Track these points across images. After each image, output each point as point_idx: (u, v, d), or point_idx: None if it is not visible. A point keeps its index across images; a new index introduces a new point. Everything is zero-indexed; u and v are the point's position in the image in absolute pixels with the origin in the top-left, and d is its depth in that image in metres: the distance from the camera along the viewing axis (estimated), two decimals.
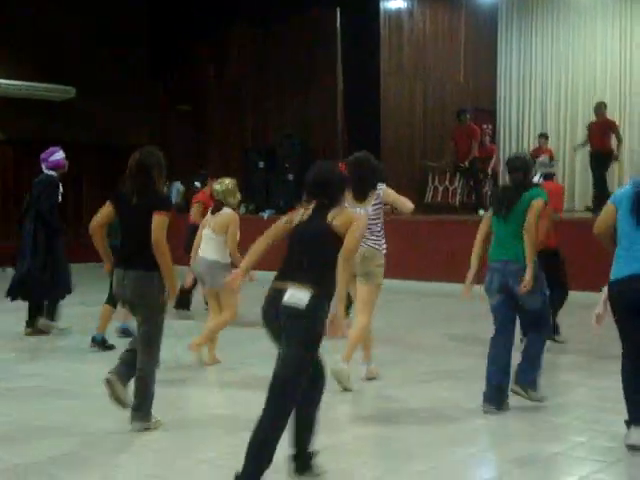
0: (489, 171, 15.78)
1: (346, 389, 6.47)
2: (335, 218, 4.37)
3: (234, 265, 7.24)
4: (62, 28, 17.28)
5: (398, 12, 17.01)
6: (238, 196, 7.78)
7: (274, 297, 4.30)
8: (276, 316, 4.28)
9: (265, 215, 15.50)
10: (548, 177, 8.91)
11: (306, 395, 4.34)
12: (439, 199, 16.43)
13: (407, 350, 8.45)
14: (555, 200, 7.80)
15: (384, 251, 6.67)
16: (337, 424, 5.69)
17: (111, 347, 8.19)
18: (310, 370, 4.30)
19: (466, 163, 14.81)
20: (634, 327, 4.97)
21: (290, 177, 15.78)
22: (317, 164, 4.68)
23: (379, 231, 6.66)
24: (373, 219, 6.53)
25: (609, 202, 5.22)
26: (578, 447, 5.24)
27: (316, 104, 16.72)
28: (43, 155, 8.99)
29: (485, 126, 16.28)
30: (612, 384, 5.58)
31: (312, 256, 4.33)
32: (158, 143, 18.37)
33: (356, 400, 6.51)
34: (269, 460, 4.14)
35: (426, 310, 11.36)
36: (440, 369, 7.49)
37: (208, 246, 7.54)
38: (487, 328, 6.14)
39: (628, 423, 5.07)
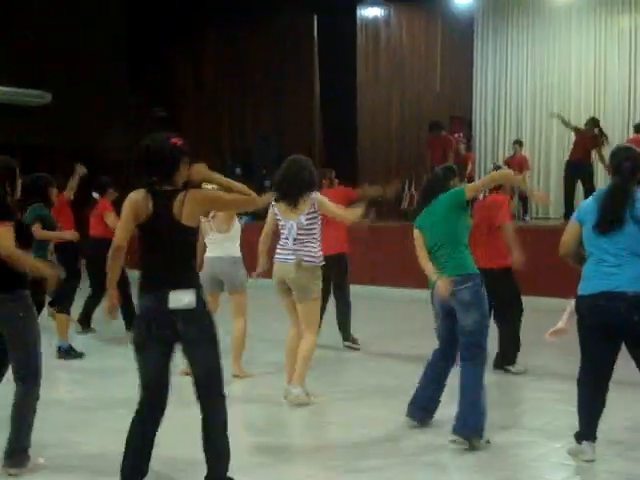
0: (465, 179, 15.91)
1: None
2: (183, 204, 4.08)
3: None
4: (38, 33, 17.23)
5: (375, 20, 17.12)
6: None
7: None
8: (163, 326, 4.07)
9: (242, 222, 15.48)
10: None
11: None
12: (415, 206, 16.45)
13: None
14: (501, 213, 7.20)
15: (321, 263, 6.37)
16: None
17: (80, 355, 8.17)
18: None
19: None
20: (597, 347, 4.80)
21: (267, 183, 15.79)
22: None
23: (314, 243, 6.28)
24: (307, 230, 6.22)
25: (573, 220, 5.01)
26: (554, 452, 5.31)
27: (293, 111, 16.77)
28: None
29: (460, 134, 16.38)
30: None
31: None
32: (133, 149, 18.36)
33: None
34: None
35: (407, 318, 11.12)
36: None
37: (219, 246, 7.24)
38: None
39: (579, 437, 4.94)
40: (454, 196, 5.40)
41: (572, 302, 4.97)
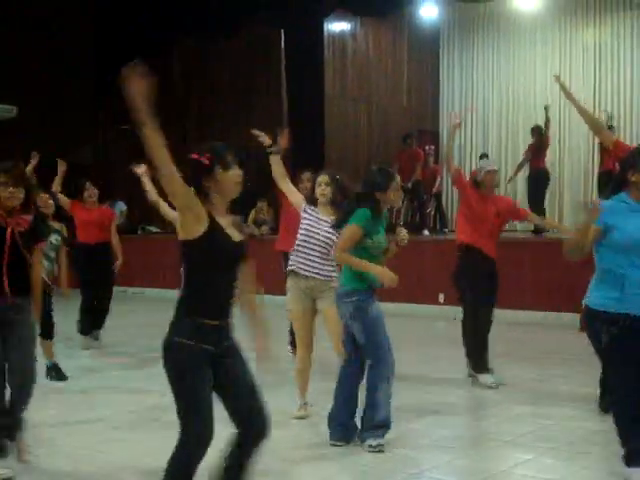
0: (433, 191, 16.04)
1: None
2: None
3: None
4: (4, 46, 17.08)
5: (342, 34, 17.18)
6: None
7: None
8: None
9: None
10: None
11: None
12: None
13: None
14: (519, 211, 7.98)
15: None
16: None
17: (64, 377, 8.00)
18: None
19: (409, 184, 14.98)
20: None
21: None
22: None
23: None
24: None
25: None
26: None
27: (260, 124, 16.65)
28: None
29: (428, 147, 16.48)
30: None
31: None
32: (101, 162, 18.31)
33: None
34: None
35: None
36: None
37: None
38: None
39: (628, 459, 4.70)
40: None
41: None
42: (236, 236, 3.78)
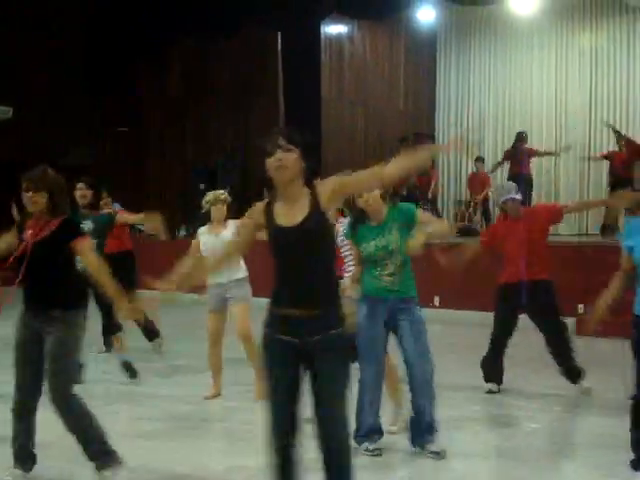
0: (429, 195, 16.00)
1: None
2: None
3: None
4: (2, 47, 17.06)
5: (339, 37, 17.20)
6: None
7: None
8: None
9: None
10: None
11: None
12: None
13: None
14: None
15: None
16: None
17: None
18: None
19: (404, 191, 14.94)
20: None
21: (229, 199, 15.74)
22: None
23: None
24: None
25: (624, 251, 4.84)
26: None
27: (257, 126, 16.76)
28: None
29: None
30: None
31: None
32: (97, 163, 18.26)
33: None
34: None
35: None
36: None
37: None
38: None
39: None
40: None
41: None
42: (290, 221, 3.67)
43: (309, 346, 3.61)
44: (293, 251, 3.66)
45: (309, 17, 15.95)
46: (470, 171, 17.27)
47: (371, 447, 5.47)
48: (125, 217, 8.34)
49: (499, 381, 7.43)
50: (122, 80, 18.36)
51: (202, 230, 7.51)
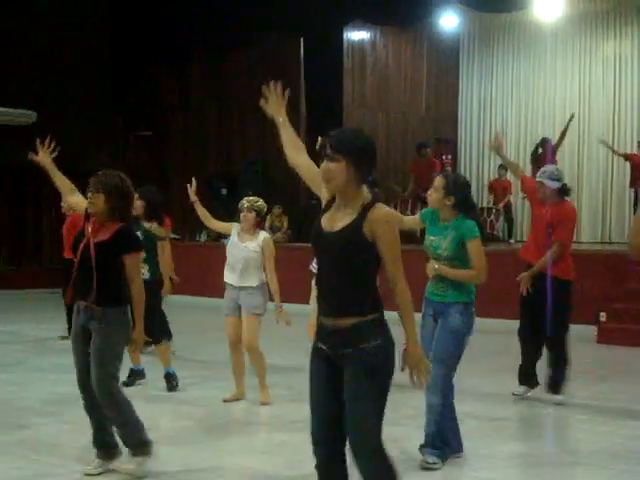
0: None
1: None
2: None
3: None
4: (23, 52, 17.20)
5: (361, 43, 17.19)
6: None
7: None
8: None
9: (226, 242, 15.40)
10: None
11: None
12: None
13: None
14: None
15: None
16: None
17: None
18: None
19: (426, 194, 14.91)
20: None
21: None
22: None
23: None
24: None
25: None
26: None
27: (278, 132, 16.77)
28: None
29: (445, 157, 16.43)
30: None
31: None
32: (118, 168, 18.26)
33: None
34: None
35: None
36: None
37: None
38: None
39: None
40: None
41: None
42: (331, 226, 3.60)
43: (339, 359, 3.56)
44: (327, 257, 3.61)
45: (332, 23, 15.98)
46: (492, 178, 17.21)
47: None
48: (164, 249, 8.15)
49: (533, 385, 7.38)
50: (145, 86, 18.45)
51: (236, 229, 7.48)
